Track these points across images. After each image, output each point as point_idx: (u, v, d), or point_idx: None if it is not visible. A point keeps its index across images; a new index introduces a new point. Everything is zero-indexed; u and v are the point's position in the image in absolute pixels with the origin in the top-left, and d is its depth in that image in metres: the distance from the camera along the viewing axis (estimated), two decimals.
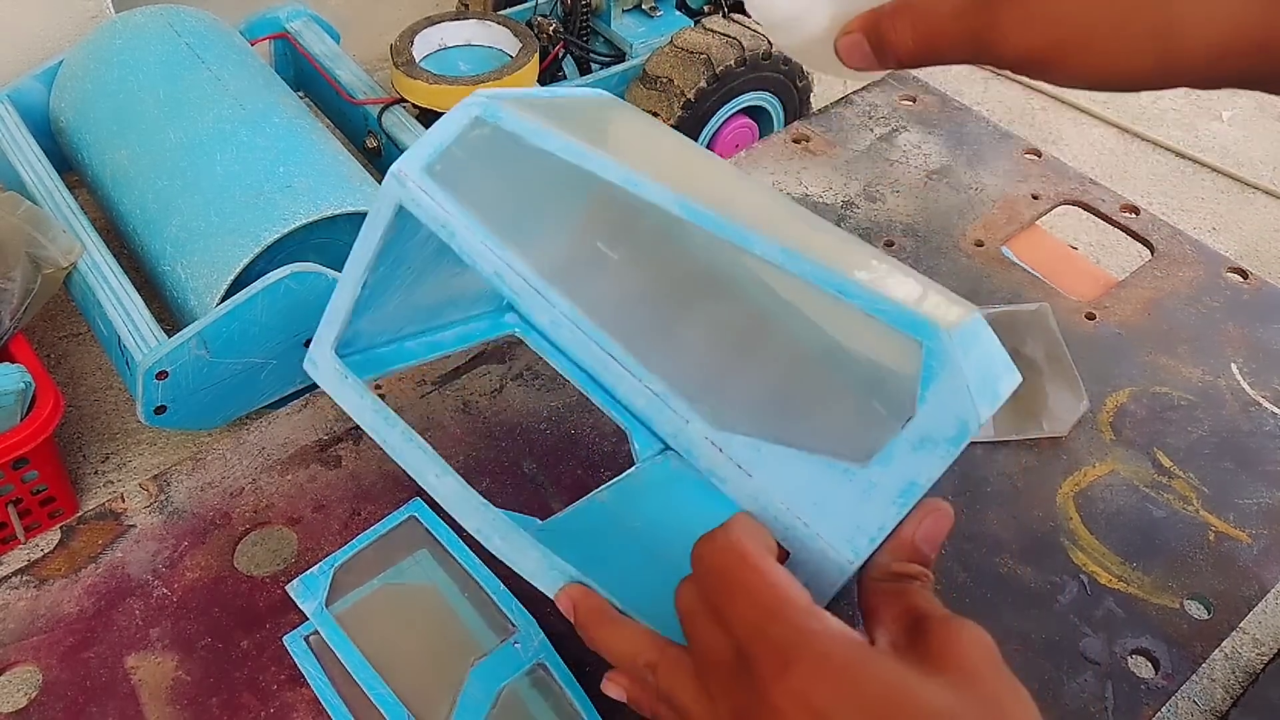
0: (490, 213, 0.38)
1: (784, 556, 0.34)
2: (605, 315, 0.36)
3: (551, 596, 0.39)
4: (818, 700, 0.27)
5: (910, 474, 0.32)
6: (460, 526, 0.50)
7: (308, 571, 0.48)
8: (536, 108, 0.40)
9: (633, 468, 0.52)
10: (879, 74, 0.37)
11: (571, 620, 0.38)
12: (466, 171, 0.39)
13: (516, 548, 0.39)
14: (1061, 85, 0.32)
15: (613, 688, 0.37)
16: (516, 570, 0.40)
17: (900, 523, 0.33)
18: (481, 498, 0.41)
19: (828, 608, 0.31)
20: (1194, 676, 0.47)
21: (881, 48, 0.33)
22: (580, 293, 0.36)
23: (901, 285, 0.35)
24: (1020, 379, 0.35)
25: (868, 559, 0.33)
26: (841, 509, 0.32)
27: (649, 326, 0.37)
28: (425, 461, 0.42)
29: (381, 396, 0.57)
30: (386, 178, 0.40)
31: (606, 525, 0.46)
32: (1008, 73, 0.32)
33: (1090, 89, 0.31)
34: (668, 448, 0.52)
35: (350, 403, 0.44)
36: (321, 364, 0.45)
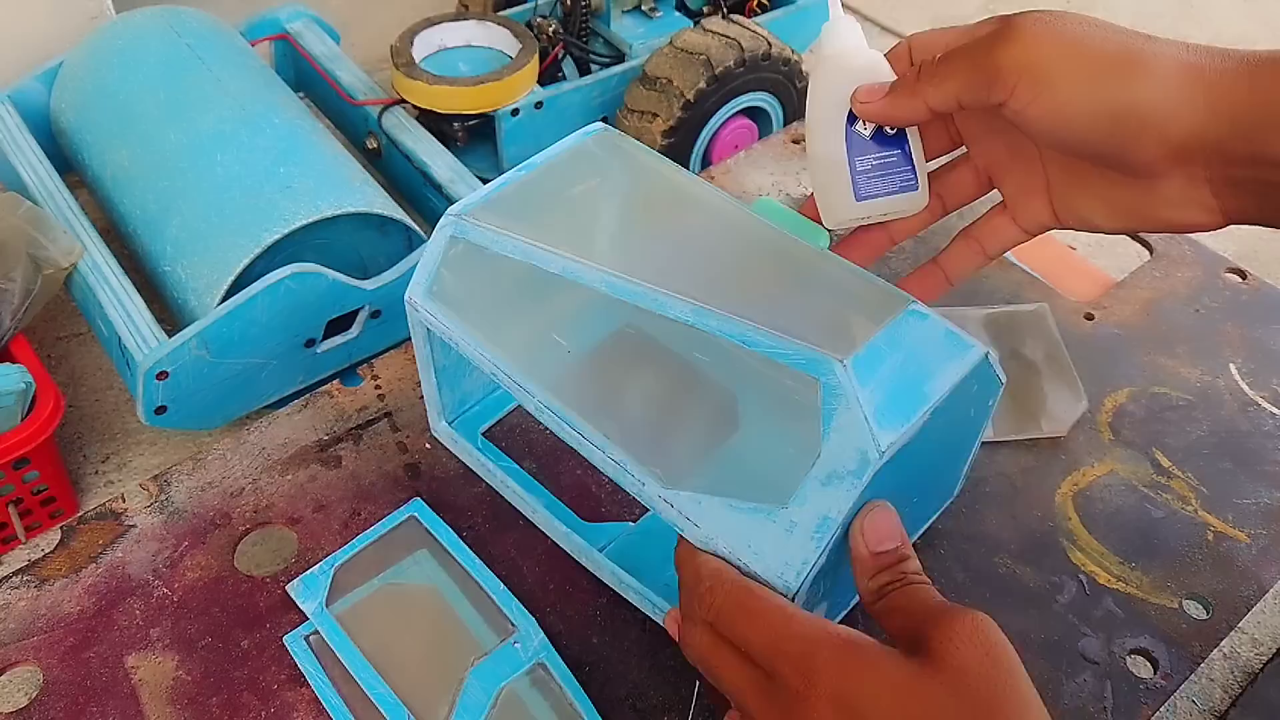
0: (477, 319, 0.44)
1: None
2: (570, 396, 0.41)
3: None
4: (849, 696, 0.30)
5: (823, 509, 0.34)
6: (459, 526, 0.51)
7: (308, 571, 0.48)
8: (507, 202, 0.45)
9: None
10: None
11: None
12: (455, 287, 0.45)
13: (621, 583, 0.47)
14: (1021, 122, 0.37)
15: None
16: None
17: (852, 542, 0.35)
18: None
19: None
20: (1193, 676, 0.47)
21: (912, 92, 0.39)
22: (548, 379, 0.42)
23: (819, 309, 0.39)
24: (982, 351, 0.38)
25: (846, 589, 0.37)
26: (770, 548, 0.35)
27: (605, 398, 0.42)
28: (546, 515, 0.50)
29: (381, 397, 0.57)
30: (406, 303, 0.46)
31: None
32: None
33: (1042, 140, 0.39)
34: None
35: (471, 459, 0.53)
36: (440, 434, 0.54)
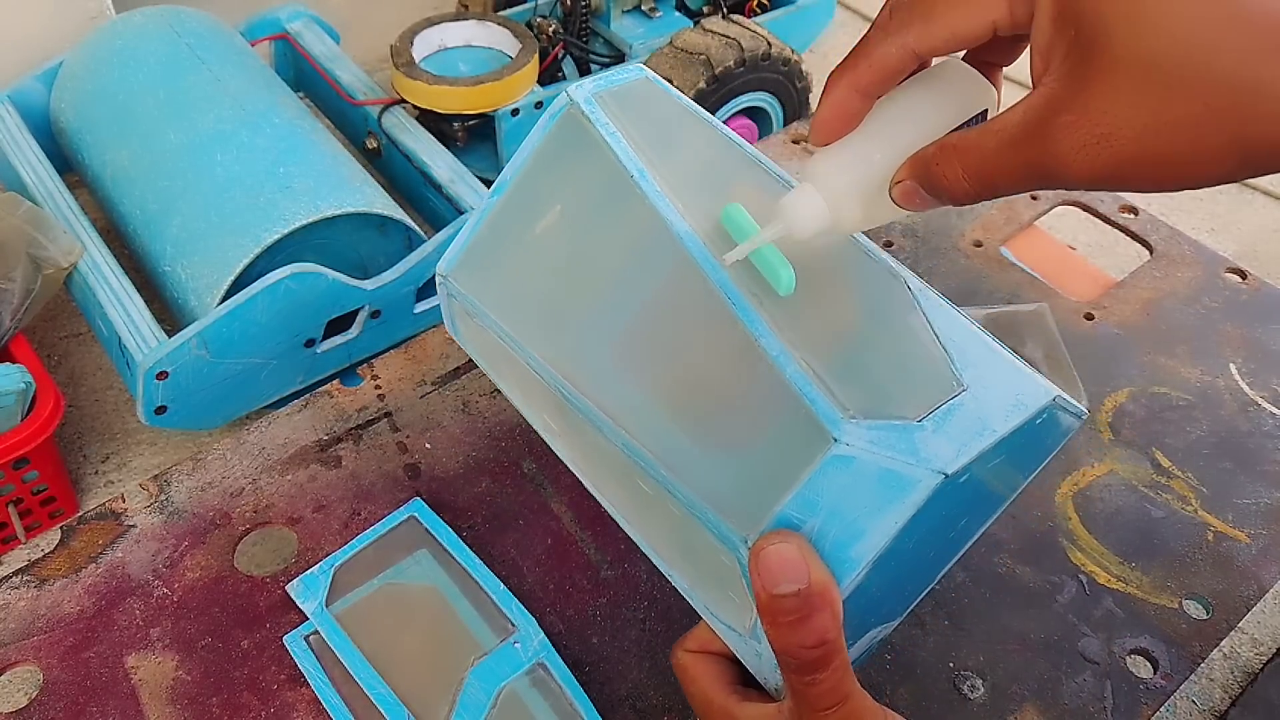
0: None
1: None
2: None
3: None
4: None
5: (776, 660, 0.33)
6: (459, 526, 0.51)
7: (308, 571, 0.48)
8: (483, 253, 0.42)
9: None
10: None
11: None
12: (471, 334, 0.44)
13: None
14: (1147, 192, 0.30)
15: None
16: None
17: (750, 576, 0.32)
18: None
19: None
20: (1193, 676, 0.47)
21: (936, 191, 0.32)
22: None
23: (744, 440, 0.35)
24: (934, 481, 0.31)
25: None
26: (751, 660, 0.36)
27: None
28: None
29: (381, 397, 0.57)
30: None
31: None
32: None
33: (1178, 190, 0.29)
34: None
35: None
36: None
